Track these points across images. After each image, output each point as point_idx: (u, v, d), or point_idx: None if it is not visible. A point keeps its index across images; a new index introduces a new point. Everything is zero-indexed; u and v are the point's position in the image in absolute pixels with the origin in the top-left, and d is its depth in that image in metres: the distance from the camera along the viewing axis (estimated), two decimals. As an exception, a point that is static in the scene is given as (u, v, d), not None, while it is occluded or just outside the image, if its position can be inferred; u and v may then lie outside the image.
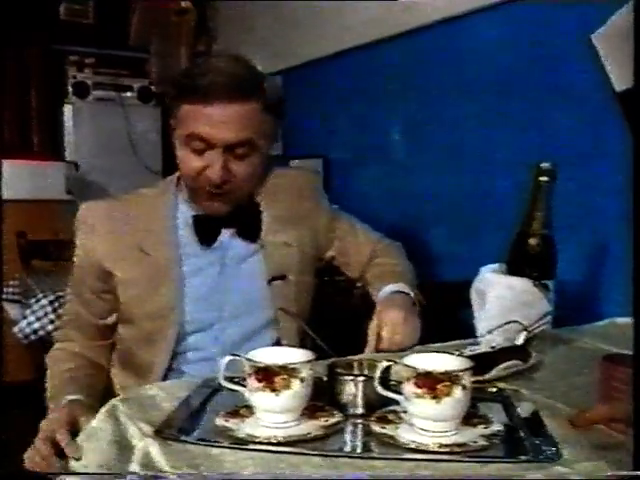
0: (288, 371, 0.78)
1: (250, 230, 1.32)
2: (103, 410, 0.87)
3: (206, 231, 1.30)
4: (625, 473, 0.68)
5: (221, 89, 1.16)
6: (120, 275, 1.28)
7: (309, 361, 0.81)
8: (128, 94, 3.71)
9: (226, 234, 1.31)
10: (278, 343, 1.31)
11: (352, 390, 0.86)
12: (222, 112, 1.17)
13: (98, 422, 0.85)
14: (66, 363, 1.27)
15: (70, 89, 3.58)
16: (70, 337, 1.32)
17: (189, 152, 1.22)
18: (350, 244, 1.46)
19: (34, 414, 1.14)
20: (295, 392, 0.79)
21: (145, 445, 0.75)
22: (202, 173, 1.22)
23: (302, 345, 1.24)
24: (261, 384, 0.78)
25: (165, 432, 0.77)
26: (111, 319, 1.32)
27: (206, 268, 1.31)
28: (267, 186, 1.36)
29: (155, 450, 0.73)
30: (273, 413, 0.80)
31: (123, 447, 0.78)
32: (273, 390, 0.78)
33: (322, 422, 0.81)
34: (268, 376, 0.78)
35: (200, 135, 1.19)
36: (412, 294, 1.31)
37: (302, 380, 0.79)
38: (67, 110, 3.58)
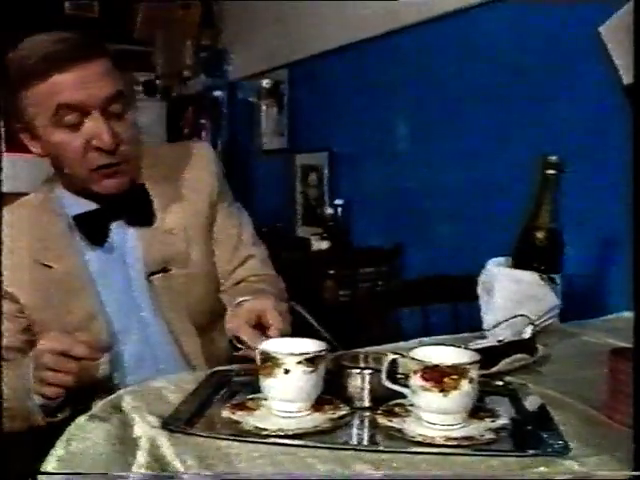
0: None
1: (141, 216, 1.21)
2: (107, 400, 0.87)
3: (94, 228, 1.19)
4: (625, 473, 0.67)
5: (67, 54, 1.09)
6: (25, 297, 1.15)
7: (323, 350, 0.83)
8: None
9: (118, 229, 1.21)
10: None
11: (359, 383, 0.86)
12: (81, 73, 1.09)
13: (101, 412, 0.85)
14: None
15: (75, 83, 3.59)
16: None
17: (64, 132, 1.11)
18: (225, 238, 1.30)
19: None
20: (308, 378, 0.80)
21: (152, 436, 0.75)
22: (88, 149, 1.12)
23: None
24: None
25: (172, 424, 0.77)
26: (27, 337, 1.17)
27: (110, 268, 1.21)
28: (153, 167, 1.25)
29: (163, 441, 0.73)
30: (284, 402, 0.81)
31: (125, 441, 0.78)
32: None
33: (329, 415, 0.81)
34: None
35: (71, 103, 1.09)
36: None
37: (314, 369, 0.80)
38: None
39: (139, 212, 1.21)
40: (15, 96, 1.12)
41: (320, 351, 0.83)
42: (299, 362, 0.81)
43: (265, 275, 1.31)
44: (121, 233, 1.21)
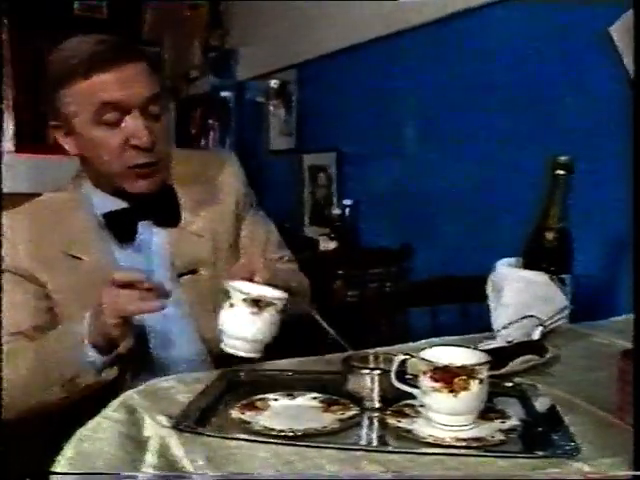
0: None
1: (168, 217, 1.24)
2: (118, 400, 0.87)
3: (123, 227, 1.22)
4: (625, 473, 0.67)
5: (109, 54, 1.13)
6: (52, 282, 1.18)
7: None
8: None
9: (145, 228, 1.23)
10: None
11: (368, 384, 0.85)
12: (122, 74, 1.13)
13: (111, 412, 0.85)
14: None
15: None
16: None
17: (103, 130, 1.14)
18: (254, 242, 1.34)
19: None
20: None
21: (162, 435, 0.75)
22: (125, 147, 1.15)
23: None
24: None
25: (182, 424, 0.77)
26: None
27: (136, 266, 1.21)
28: (181, 170, 1.28)
29: (172, 441, 0.73)
30: (227, 336, 0.92)
31: (135, 441, 0.78)
32: None
33: (338, 415, 0.81)
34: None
35: (113, 101, 1.13)
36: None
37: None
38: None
39: (167, 213, 1.24)
40: (55, 94, 1.16)
41: (269, 297, 0.90)
42: (244, 300, 0.89)
43: (289, 269, 1.35)
44: (148, 233, 1.24)
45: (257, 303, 0.89)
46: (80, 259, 1.20)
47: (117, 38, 1.18)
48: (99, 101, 1.13)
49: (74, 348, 1.06)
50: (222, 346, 0.95)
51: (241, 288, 0.91)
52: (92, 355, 1.05)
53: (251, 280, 1.00)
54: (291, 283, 1.23)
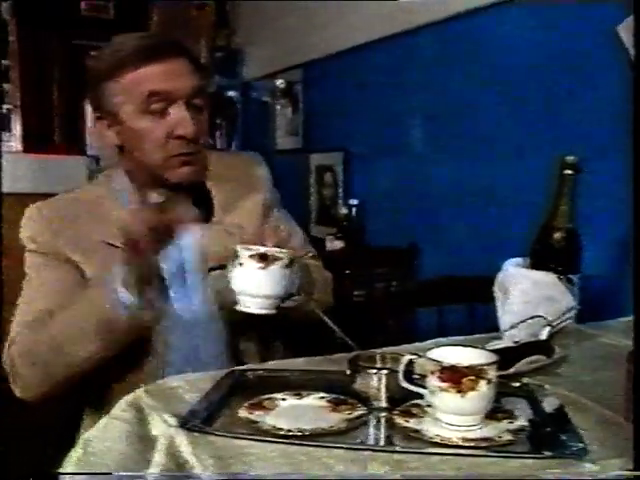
0: None
1: (202, 212, 1.27)
2: (126, 400, 0.87)
3: None
4: (625, 473, 0.67)
5: (157, 48, 1.18)
6: (88, 266, 1.22)
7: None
8: (148, 88, 3.73)
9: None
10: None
11: (375, 383, 0.85)
12: (170, 66, 1.18)
13: (120, 412, 0.85)
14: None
15: (91, 84, 3.62)
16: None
17: (149, 120, 1.18)
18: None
19: (34, 409, 1.15)
20: None
21: (170, 435, 0.75)
22: (170, 137, 1.18)
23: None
24: None
25: (189, 423, 0.77)
26: None
27: (167, 259, 1.22)
28: (214, 169, 1.31)
29: (180, 440, 0.73)
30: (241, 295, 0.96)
31: (143, 440, 0.78)
32: None
33: (346, 415, 0.81)
34: None
35: (160, 91, 1.16)
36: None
37: None
38: (88, 105, 3.61)
39: (200, 209, 1.27)
40: (101, 86, 1.20)
41: (274, 251, 0.94)
42: (251, 256, 0.94)
43: (313, 265, 1.37)
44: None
45: (264, 258, 0.93)
46: (117, 247, 1.21)
47: (164, 34, 1.22)
48: (146, 90, 1.16)
49: (106, 294, 1.09)
50: (237, 307, 0.98)
51: (249, 247, 0.96)
52: (124, 295, 1.08)
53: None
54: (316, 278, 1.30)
